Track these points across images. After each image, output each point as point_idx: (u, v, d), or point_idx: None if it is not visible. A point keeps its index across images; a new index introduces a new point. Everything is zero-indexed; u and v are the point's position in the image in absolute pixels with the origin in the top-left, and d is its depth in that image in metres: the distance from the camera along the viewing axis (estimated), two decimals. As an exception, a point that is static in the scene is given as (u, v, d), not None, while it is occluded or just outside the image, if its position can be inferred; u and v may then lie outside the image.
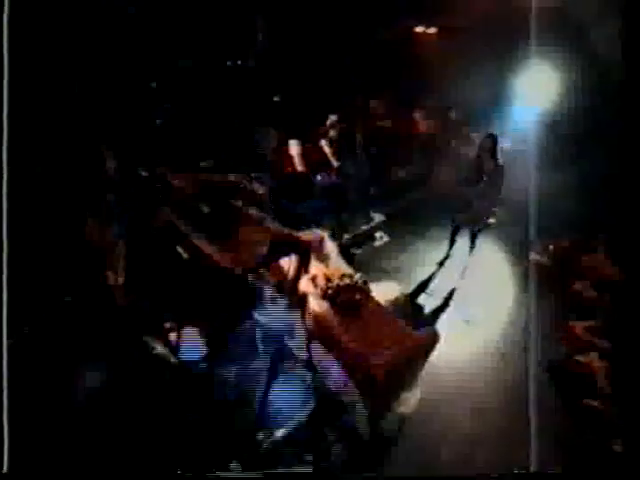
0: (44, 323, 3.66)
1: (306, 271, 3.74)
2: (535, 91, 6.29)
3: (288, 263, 3.70)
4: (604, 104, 6.07)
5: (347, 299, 3.94)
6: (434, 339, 3.83)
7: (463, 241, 5.60)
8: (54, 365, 3.60)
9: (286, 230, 3.92)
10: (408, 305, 5.02)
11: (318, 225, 4.85)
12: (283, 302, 3.58)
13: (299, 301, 3.60)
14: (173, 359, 3.54)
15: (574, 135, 6.50)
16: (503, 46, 6.59)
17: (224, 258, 3.57)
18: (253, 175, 4.48)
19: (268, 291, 3.59)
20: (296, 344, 3.51)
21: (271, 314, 3.53)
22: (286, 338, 3.48)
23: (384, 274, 5.26)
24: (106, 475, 3.30)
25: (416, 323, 4.55)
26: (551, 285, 5.27)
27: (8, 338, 3.25)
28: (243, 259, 3.57)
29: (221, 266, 3.53)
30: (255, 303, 3.57)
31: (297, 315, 3.54)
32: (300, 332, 3.51)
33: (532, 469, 3.66)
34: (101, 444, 3.37)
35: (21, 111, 3.48)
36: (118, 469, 3.30)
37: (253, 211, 3.98)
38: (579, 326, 4.85)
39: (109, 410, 3.49)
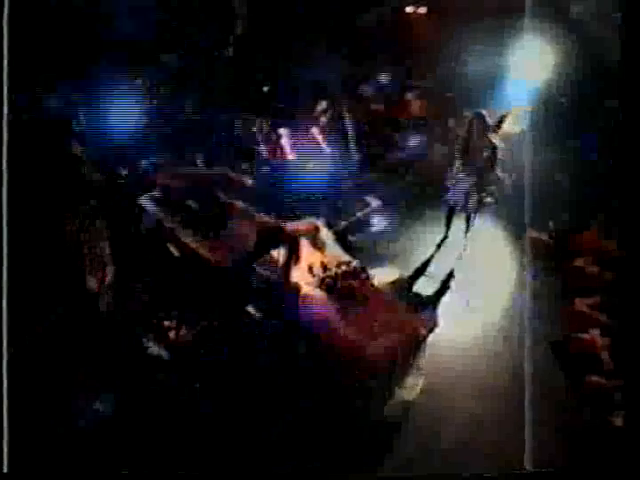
0: (41, 329, 3.61)
1: (296, 262, 3.68)
2: (531, 69, 6.18)
3: (278, 254, 3.65)
4: (602, 81, 5.96)
5: (345, 287, 3.90)
6: (433, 323, 3.79)
7: (461, 222, 5.55)
8: (54, 365, 3.57)
9: (272, 221, 3.86)
10: (407, 289, 4.98)
11: (313, 213, 4.79)
12: (276, 294, 3.52)
13: (291, 292, 3.54)
14: (167, 357, 3.49)
15: (571, 112, 6.40)
16: (497, 23, 6.48)
17: (212, 253, 3.51)
18: (241, 166, 4.39)
19: (260, 284, 3.54)
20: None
21: (264, 307, 3.48)
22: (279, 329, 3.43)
23: (382, 259, 5.19)
24: (106, 475, 3.27)
25: (416, 307, 4.52)
26: (552, 262, 5.23)
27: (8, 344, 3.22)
28: (231, 253, 3.51)
29: (210, 262, 3.47)
30: (248, 297, 3.52)
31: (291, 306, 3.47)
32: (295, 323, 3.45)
33: (533, 454, 3.66)
34: (101, 444, 3.36)
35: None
36: (118, 469, 3.28)
37: (239, 203, 3.91)
38: (581, 303, 4.81)
39: (109, 410, 3.48)
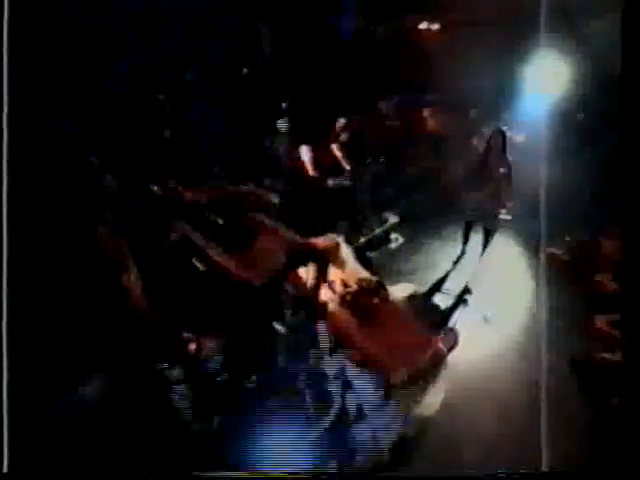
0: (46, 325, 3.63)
1: (325, 279, 3.74)
2: (547, 82, 6.21)
3: (306, 272, 3.71)
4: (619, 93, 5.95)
5: (365, 303, 3.95)
6: (454, 341, 3.82)
7: (477, 238, 5.57)
8: (54, 365, 3.58)
9: (302, 239, 3.92)
10: (424, 305, 5.01)
11: (332, 230, 4.87)
12: (304, 312, 3.59)
13: (320, 310, 3.60)
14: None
15: (588, 126, 6.40)
16: (512, 37, 6.52)
17: (242, 270, 3.58)
18: (266, 183, 4.47)
19: (288, 302, 3.60)
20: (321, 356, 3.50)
21: (291, 325, 3.54)
22: (309, 350, 3.49)
23: (400, 276, 5.24)
24: (107, 475, 3.31)
25: (434, 324, 4.56)
26: (570, 278, 5.21)
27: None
28: (261, 270, 3.58)
29: (239, 278, 3.54)
30: (275, 314, 3.58)
31: (320, 325, 3.54)
32: (324, 342, 3.51)
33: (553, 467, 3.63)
34: (102, 444, 3.36)
35: (22, 119, 3.51)
36: (119, 470, 3.31)
37: (268, 221, 3.99)
38: (602, 320, 4.78)
39: (110, 410, 3.48)
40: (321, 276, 3.70)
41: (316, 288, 3.65)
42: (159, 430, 3.44)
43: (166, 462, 3.35)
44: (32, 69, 4.00)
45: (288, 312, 3.57)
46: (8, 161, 3.25)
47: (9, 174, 3.25)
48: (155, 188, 3.83)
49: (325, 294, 3.85)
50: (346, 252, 4.38)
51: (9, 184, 3.29)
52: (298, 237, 3.92)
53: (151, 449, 3.37)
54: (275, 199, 4.24)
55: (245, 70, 5.84)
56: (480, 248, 5.53)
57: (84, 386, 3.51)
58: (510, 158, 5.26)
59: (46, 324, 3.57)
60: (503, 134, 5.17)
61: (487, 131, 6.18)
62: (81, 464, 3.29)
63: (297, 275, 3.75)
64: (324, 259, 3.76)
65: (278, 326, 3.52)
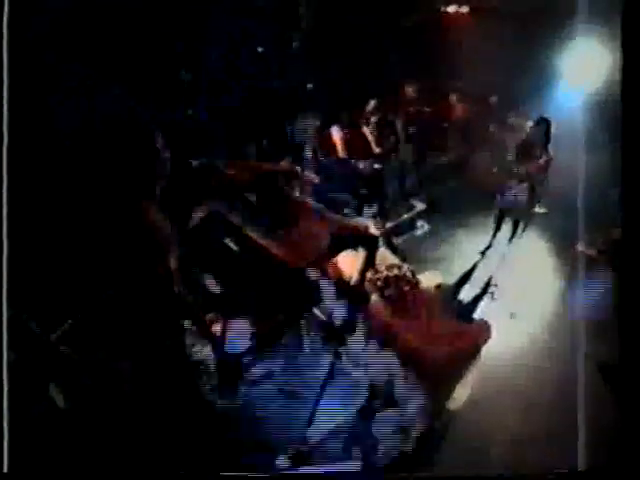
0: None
1: (373, 265, 3.63)
2: (581, 72, 6.01)
3: (350, 257, 3.59)
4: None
5: (396, 290, 3.86)
6: (488, 333, 3.74)
7: (505, 229, 5.45)
8: (54, 365, 3.48)
9: (352, 221, 3.79)
10: (452, 296, 4.92)
11: (360, 213, 4.75)
12: (345, 299, 3.48)
13: (363, 297, 3.50)
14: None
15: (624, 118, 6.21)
16: (545, 24, 6.32)
17: (284, 251, 3.45)
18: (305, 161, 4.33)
19: (329, 287, 3.49)
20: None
21: (333, 311, 3.43)
22: (346, 336, 3.39)
23: (426, 263, 5.13)
24: (107, 476, 3.25)
25: (462, 315, 4.47)
26: (602, 277, 5.09)
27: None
28: (304, 253, 3.45)
29: (281, 260, 3.42)
30: (315, 299, 3.47)
31: (360, 313, 3.44)
32: (361, 330, 3.41)
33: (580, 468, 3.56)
34: (102, 444, 3.29)
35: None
36: (120, 470, 3.25)
37: (310, 201, 3.85)
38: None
39: (111, 410, 3.38)
40: (370, 262, 3.57)
41: (363, 274, 3.52)
42: (168, 431, 3.31)
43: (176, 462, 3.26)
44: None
45: (330, 298, 3.46)
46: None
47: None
48: (194, 163, 3.67)
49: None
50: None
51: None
52: (347, 220, 3.78)
53: (153, 449, 3.27)
54: (316, 179, 4.08)
55: (260, 49, 5.65)
56: (507, 239, 5.41)
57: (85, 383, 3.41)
58: (551, 152, 5.10)
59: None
60: (548, 124, 4.99)
61: (514, 120, 6.06)
62: (81, 464, 3.24)
63: (338, 259, 3.63)
64: (374, 244, 3.63)
65: (318, 312, 3.41)
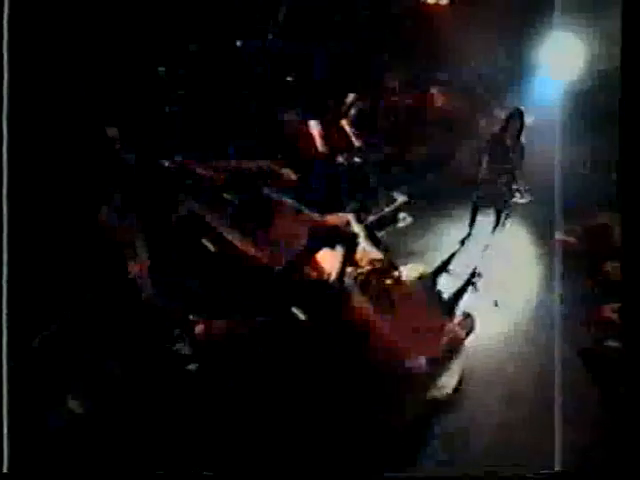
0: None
1: (351, 263, 3.60)
2: (559, 63, 6.05)
3: (329, 255, 3.55)
4: (633, 75, 5.81)
5: (378, 285, 3.85)
6: (471, 326, 3.76)
7: (487, 220, 5.48)
8: (55, 365, 3.50)
9: (332, 218, 3.75)
10: (433, 286, 4.93)
11: (341, 208, 4.71)
12: (326, 297, 3.44)
13: (343, 295, 3.47)
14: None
15: (601, 108, 6.27)
16: (524, 15, 6.34)
17: (260, 253, 3.41)
18: (281, 159, 4.27)
19: (309, 286, 3.46)
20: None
21: (312, 310, 3.40)
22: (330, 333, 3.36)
23: (409, 256, 5.14)
24: (108, 476, 3.25)
25: (445, 308, 4.48)
26: (580, 266, 5.15)
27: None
28: (281, 253, 3.41)
29: (258, 261, 3.38)
30: (294, 299, 3.43)
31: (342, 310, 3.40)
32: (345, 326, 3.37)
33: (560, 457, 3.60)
34: (103, 444, 3.29)
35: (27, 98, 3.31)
36: (121, 470, 3.24)
37: (287, 200, 3.80)
38: (609, 309, 4.74)
39: (112, 410, 3.40)
40: (347, 260, 3.54)
41: (342, 272, 3.49)
42: (166, 431, 3.33)
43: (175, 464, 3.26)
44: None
45: (308, 295, 3.42)
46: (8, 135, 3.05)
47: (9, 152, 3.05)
48: (166, 163, 3.59)
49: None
50: (357, 231, 4.25)
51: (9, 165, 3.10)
52: (324, 218, 3.74)
53: (153, 448, 3.28)
54: (293, 176, 4.03)
55: (239, 43, 5.57)
56: (489, 230, 5.45)
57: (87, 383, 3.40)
58: (524, 141, 5.13)
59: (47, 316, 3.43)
60: (521, 115, 5.02)
61: (498, 112, 6.08)
62: (82, 464, 3.23)
63: (317, 258, 3.58)
64: (353, 242, 3.60)
65: (297, 312, 3.38)
